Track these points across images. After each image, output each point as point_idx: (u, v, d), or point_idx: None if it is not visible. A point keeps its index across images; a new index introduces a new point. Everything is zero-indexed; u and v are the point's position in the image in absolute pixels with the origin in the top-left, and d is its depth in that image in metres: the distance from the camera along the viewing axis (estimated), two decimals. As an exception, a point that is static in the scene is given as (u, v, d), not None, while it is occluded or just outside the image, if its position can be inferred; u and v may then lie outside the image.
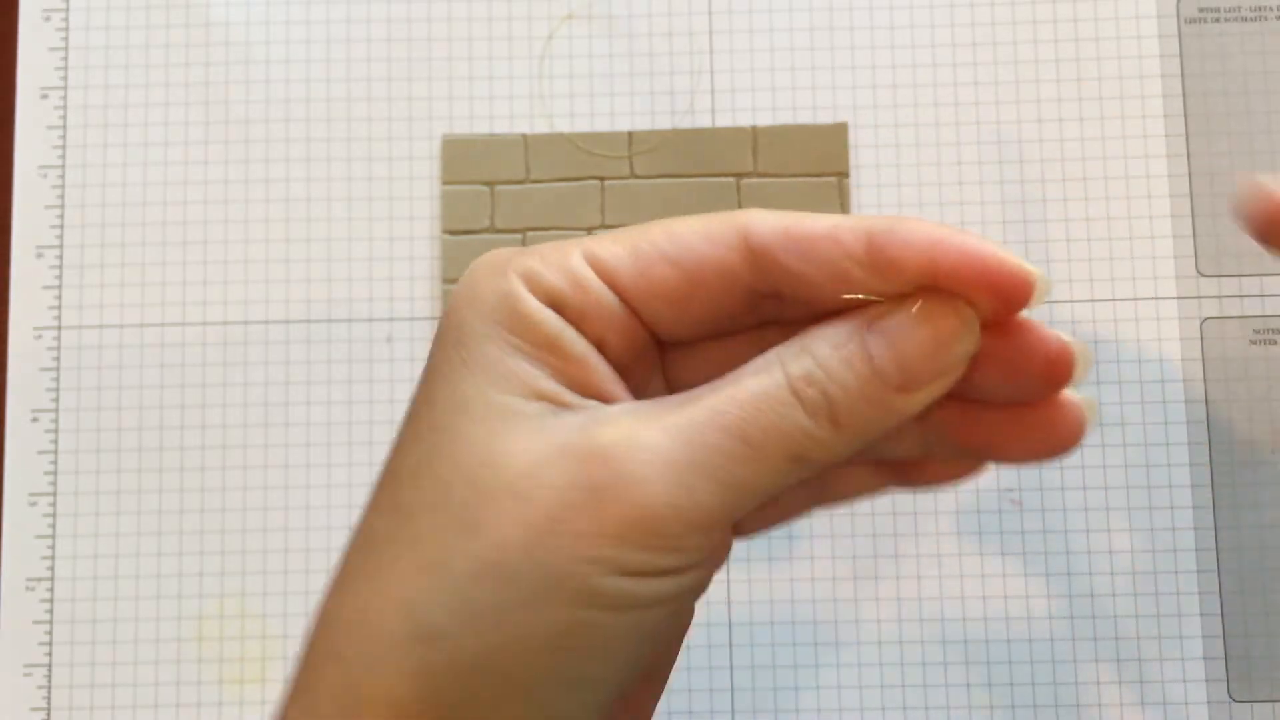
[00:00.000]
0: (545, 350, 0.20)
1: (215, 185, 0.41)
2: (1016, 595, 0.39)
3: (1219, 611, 0.39)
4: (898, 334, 0.19)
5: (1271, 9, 0.41)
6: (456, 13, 0.42)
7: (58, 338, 0.41)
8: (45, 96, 0.42)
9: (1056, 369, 0.21)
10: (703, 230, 0.20)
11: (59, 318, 0.41)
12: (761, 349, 0.20)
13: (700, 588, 0.21)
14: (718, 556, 0.21)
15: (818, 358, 0.19)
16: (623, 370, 0.21)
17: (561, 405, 0.20)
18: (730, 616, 0.39)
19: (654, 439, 0.19)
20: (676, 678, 0.38)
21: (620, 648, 0.19)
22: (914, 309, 0.19)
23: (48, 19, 0.42)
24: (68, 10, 0.42)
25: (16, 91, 0.42)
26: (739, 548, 0.39)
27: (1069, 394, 0.21)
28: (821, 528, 0.39)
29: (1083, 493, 0.39)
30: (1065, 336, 0.21)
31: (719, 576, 0.39)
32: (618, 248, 0.20)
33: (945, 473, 0.23)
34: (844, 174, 0.41)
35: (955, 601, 0.39)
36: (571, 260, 0.20)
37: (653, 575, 0.19)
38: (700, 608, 0.39)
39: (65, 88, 0.42)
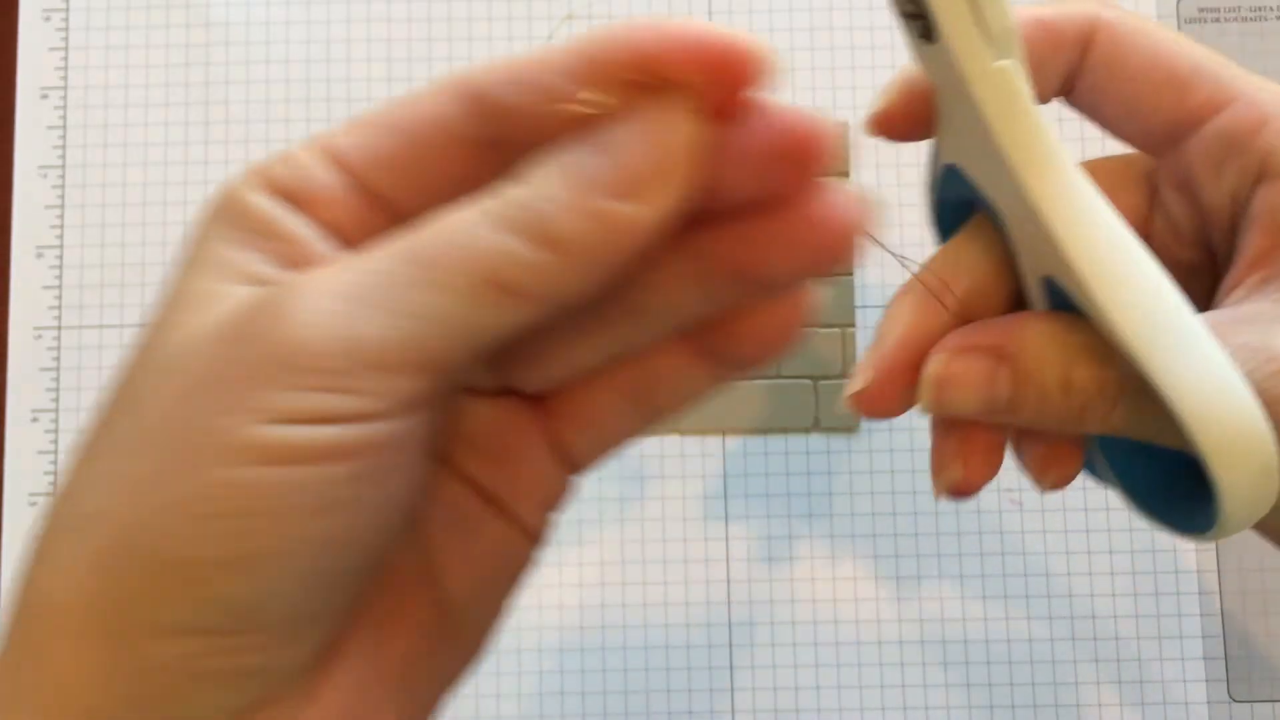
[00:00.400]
0: (263, 236, 0.18)
1: (214, 185, 0.41)
2: (1016, 595, 0.39)
3: (1219, 611, 0.39)
4: (608, 136, 0.17)
5: (1271, 9, 0.41)
6: (456, 13, 0.42)
7: (58, 338, 0.41)
8: (45, 96, 0.42)
9: (798, 151, 0.18)
10: (425, 89, 0.18)
11: (59, 318, 0.41)
12: None
13: (404, 445, 0.17)
14: (427, 412, 0.18)
15: (526, 180, 0.17)
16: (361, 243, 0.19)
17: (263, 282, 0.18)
18: (730, 616, 0.39)
19: (320, 277, 0.17)
20: (677, 678, 0.38)
21: (295, 515, 0.16)
22: (632, 114, 0.17)
23: (48, 19, 0.42)
24: (68, 10, 0.42)
25: (16, 91, 0.42)
26: (739, 547, 0.39)
27: (828, 186, 0.18)
28: (822, 528, 0.39)
29: (1083, 493, 0.39)
30: (808, 114, 0.18)
31: (719, 576, 0.39)
32: (347, 130, 0.19)
33: (755, 330, 0.20)
34: (844, 174, 0.41)
35: (955, 601, 0.39)
36: (303, 152, 0.19)
37: (321, 421, 0.16)
38: (700, 608, 0.39)
39: (65, 88, 0.42)
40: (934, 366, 0.23)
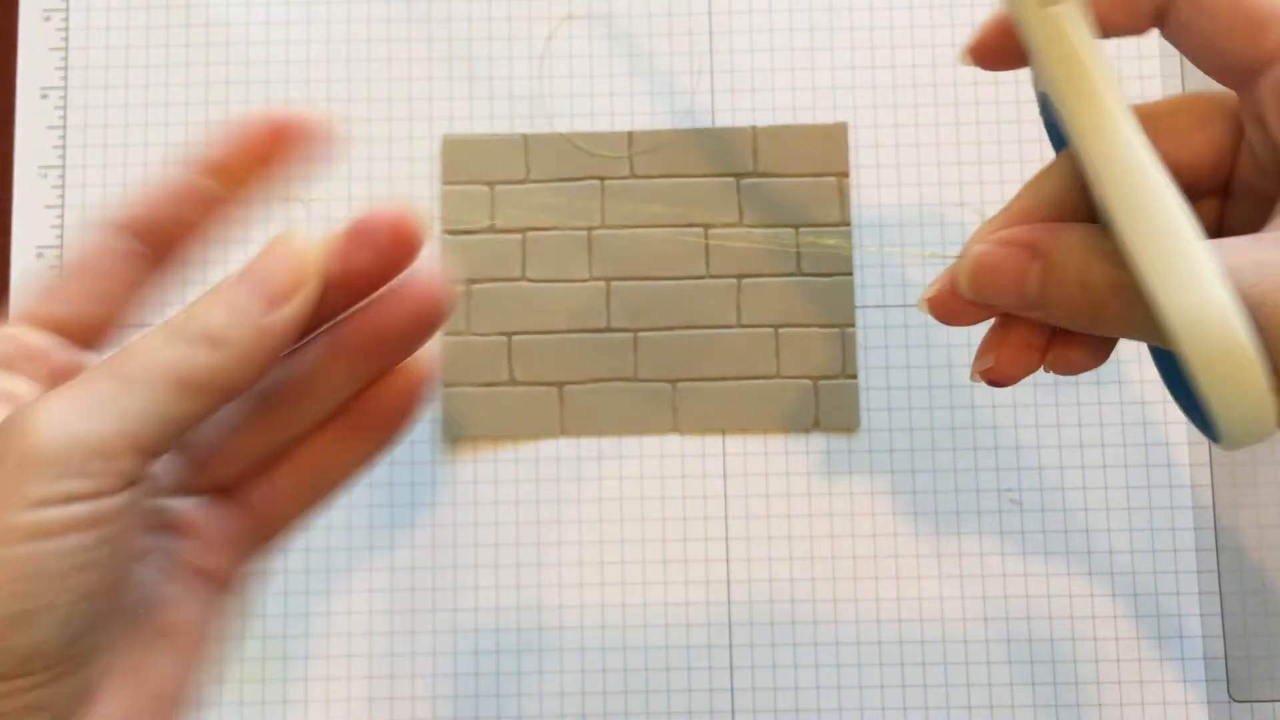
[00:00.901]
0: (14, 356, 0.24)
1: (215, 185, 0.41)
2: (1016, 595, 0.39)
3: (1219, 611, 0.39)
4: (256, 263, 0.23)
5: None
6: (456, 13, 0.42)
7: (58, 338, 0.41)
8: (45, 96, 0.42)
9: (394, 253, 0.24)
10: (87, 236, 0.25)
11: (59, 318, 0.41)
12: None
13: (129, 531, 0.22)
14: (133, 479, 0.22)
15: (196, 302, 0.23)
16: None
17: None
18: (730, 616, 0.39)
19: (48, 396, 0.22)
20: (677, 678, 0.38)
21: (59, 576, 0.21)
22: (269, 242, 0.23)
23: (48, 19, 0.42)
24: (68, 10, 0.42)
25: (16, 91, 0.42)
26: (739, 547, 0.39)
27: (420, 271, 0.24)
28: (821, 528, 0.39)
29: (1082, 493, 0.39)
30: (395, 217, 0.24)
31: (719, 577, 0.39)
32: (36, 297, 0.25)
33: (391, 395, 0.26)
34: (844, 174, 0.41)
35: (955, 601, 0.39)
36: (11, 328, 0.24)
37: (69, 501, 0.21)
38: (700, 608, 0.39)
39: (65, 88, 0.42)
40: (976, 250, 0.25)
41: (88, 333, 0.25)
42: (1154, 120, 0.24)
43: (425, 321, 0.24)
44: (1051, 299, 0.24)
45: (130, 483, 0.22)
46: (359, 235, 0.24)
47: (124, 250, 0.25)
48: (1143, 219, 0.22)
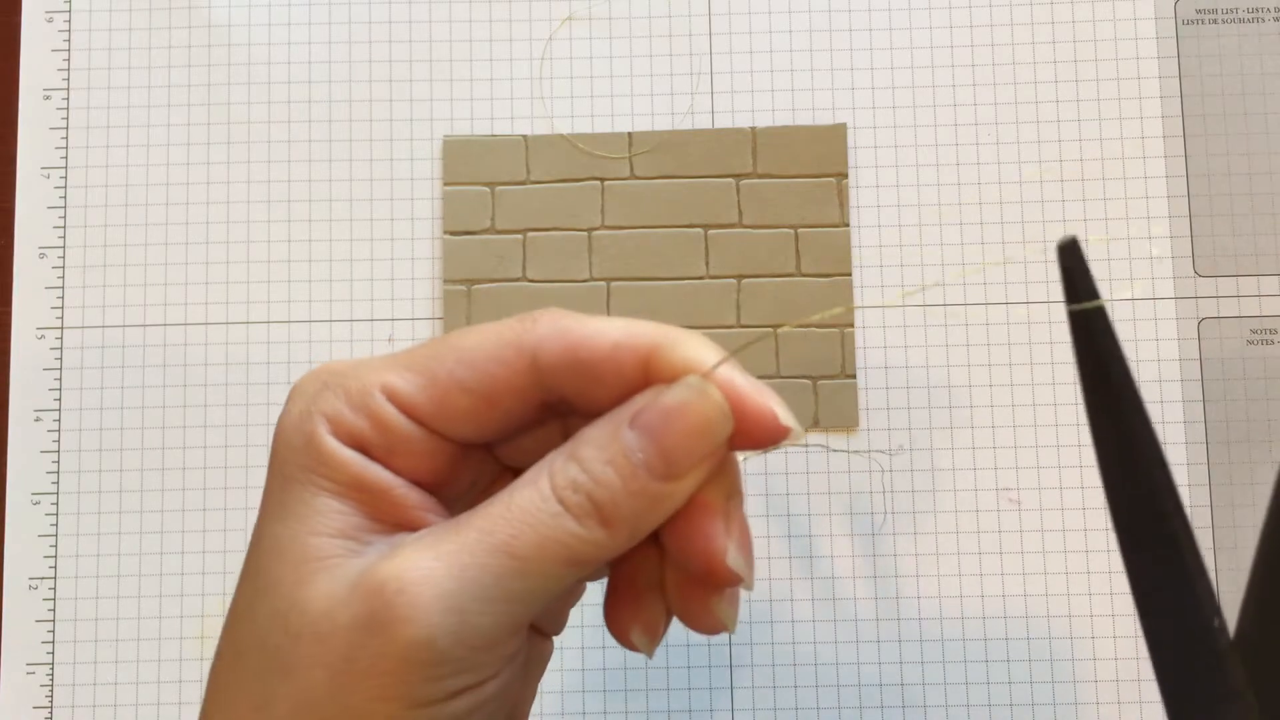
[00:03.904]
0: (353, 489, 0.21)
1: (216, 186, 0.42)
2: (1015, 595, 0.39)
3: (1217, 610, 0.39)
4: (658, 427, 0.21)
5: (1268, 10, 0.41)
6: (457, 14, 0.42)
7: (60, 338, 0.41)
8: (48, 98, 0.42)
9: (711, 576, 0.22)
10: (494, 353, 0.21)
11: (61, 318, 0.41)
12: (566, 434, 0.22)
13: (507, 691, 0.22)
14: (520, 658, 0.22)
15: (583, 463, 0.21)
16: (442, 480, 0.22)
17: (367, 541, 0.21)
18: (730, 615, 0.39)
19: (427, 567, 0.20)
20: (677, 677, 0.39)
21: None
22: (670, 401, 0.21)
23: (50, 20, 0.42)
24: (70, 12, 0.42)
25: (19, 93, 0.42)
26: (738, 547, 0.39)
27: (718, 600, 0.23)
28: (821, 528, 0.40)
29: (1081, 492, 0.39)
30: (732, 566, 0.22)
31: (718, 576, 0.39)
32: (415, 377, 0.21)
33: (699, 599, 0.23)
34: (843, 174, 0.41)
35: (954, 601, 0.39)
36: (373, 401, 0.21)
37: (450, 697, 0.20)
38: (700, 607, 0.39)
39: (68, 89, 0.42)
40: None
41: (449, 467, 0.22)
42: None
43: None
44: None
45: (509, 660, 0.21)
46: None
47: (527, 392, 0.22)
48: None
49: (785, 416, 0.21)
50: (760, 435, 0.21)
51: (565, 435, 0.23)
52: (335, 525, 0.21)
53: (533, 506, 0.20)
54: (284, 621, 0.20)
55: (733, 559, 0.22)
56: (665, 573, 0.23)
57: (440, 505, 0.22)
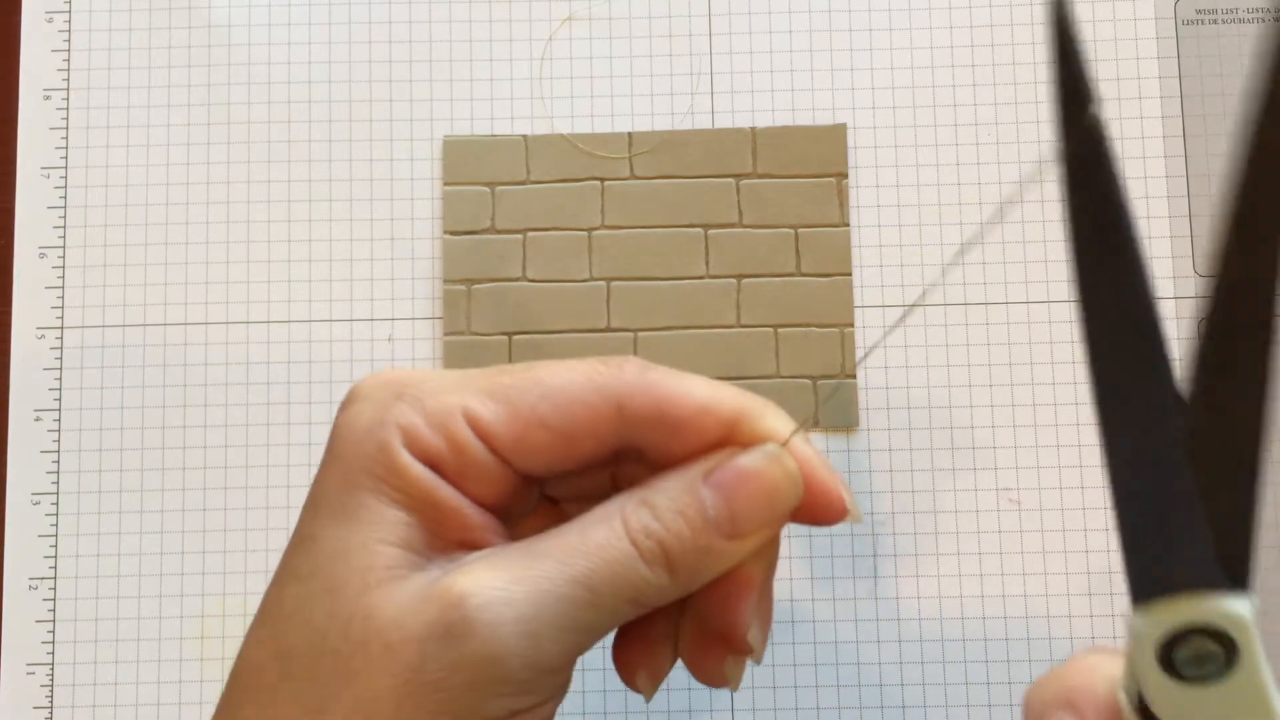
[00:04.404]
0: (421, 502, 0.21)
1: (216, 186, 0.42)
2: (1015, 595, 0.39)
3: (1217, 610, 0.39)
4: (733, 488, 0.21)
5: (1268, 10, 0.41)
6: (457, 14, 0.42)
7: (60, 337, 0.41)
8: (48, 98, 0.42)
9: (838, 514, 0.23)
10: (580, 395, 0.22)
11: (61, 318, 0.41)
12: (613, 479, 0.23)
13: (551, 716, 0.22)
14: (566, 686, 0.22)
15: (656, 511, 0.21)
16: (502, 506, 0.23)
17: (431, 558, 0.21)
18: (730, 615, 0.39)
19: (505, 588, 0.20)
20: (676, 677, 0.39)
21: None
22: (747, 464, 0.21)
23: (50, 20, 0.42)
24: (70, 12, 0.42)
25: (19, 93, 0.42)
26: (738, 547, 0.39)
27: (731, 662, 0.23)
28: (821, 528, 0.39)
29: (1080, 492, 0.39)
30: (752, 643, 0.23)
31: (718, 576, 0.39)
32: (497, 408, 0.22)
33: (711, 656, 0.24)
34: (843, 175, 0.41)
35: (954, 601, 0.39)
36: (453, 423, 0.21)
37: (512, 716, 0.20)
38: (700, 607, 0.39)
39: (68, 89, 0.42)
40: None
41: (510, 495, 0.23)
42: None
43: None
44: None
45: (566, 684, 0.22)
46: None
47: (615, 443, 0.22)
48: None
49: (849, 500, 0.23)
50: (822, 513, 0.22)
51: (612, 479, 0.24)
52: (403, 537, 0.21)
53: (608, 544, 0.21)
54: (347, 626, 0.20)
55: (753, 636, 0.23)
56: (682, 624, 0.24)
57: (502, 529, 0.22)
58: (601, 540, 0.21)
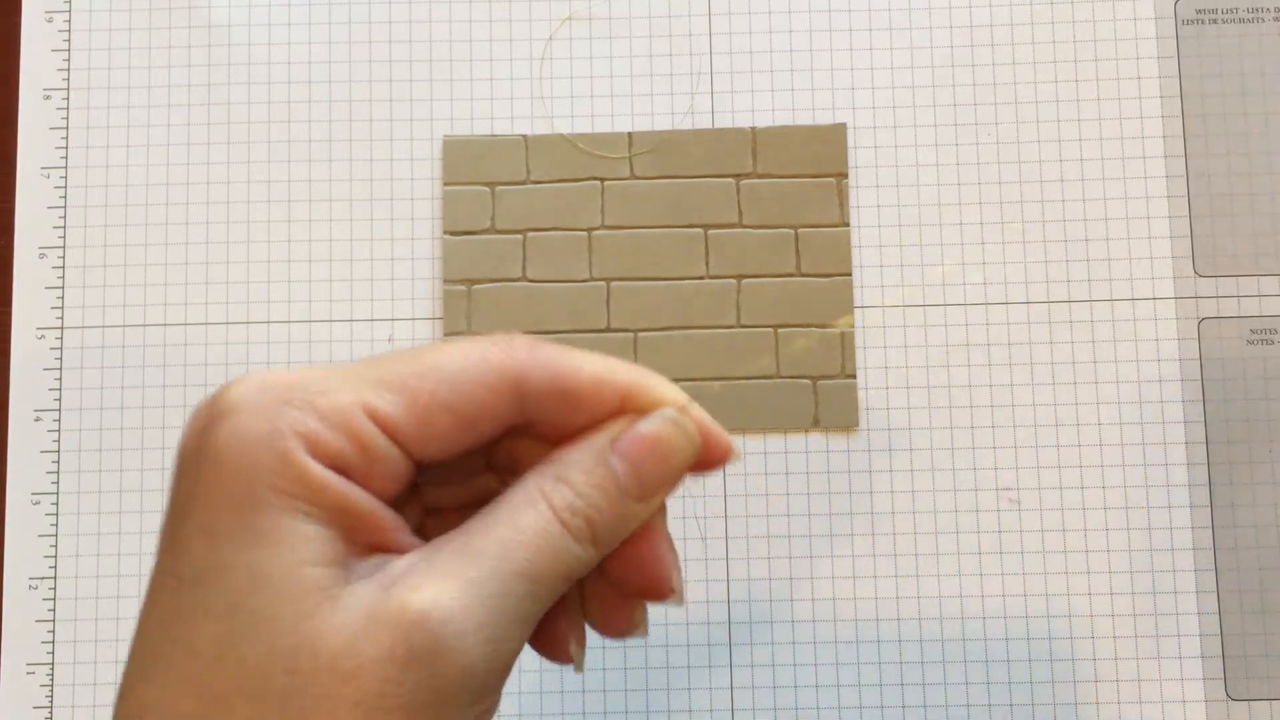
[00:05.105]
0: (337, 514, 0.20)
1: (216, 186, 0.42)
2: (1015, 595, 0.39)
3: (1216, 610, 0.39)
4: (638, 454, 0.22)
5: (1268, 10, 0.41)
6: (457, 14, 0.42)
7: (60, 338, 0.41)
8: (48, 98, 0.42)
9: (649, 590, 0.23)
10: (478, 376, 0.21)
11: (61, 318, 0.41)
12: (507, 455, 0.23)
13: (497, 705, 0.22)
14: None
15: (575, 487, 0.22)
16: (402, 499, 0.22)
17: (350, 566, 0.20)
18: (730, 616, 0.39)
19: (460, 598, 0.20)
20: (676, 677, 0.39)
21: None
22: (649, 430, 0.22)
23: (50, 20, 0.42)
24: (70, 12, 0.42)
25: (19, 93, 0.42)
26: (739, 547, 0.39)
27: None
28: (821, 527, 0.40)
29: (1080, 492, 0.39)
30: (670, 586, 0.23)
31: (719, 575, 0.39)
32: (396, 398, 0.21)
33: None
34: (843, 174, 0.41)
35: (954, 601, 0.39)
36: (355, 421, 0.20)
37: None
38: (700, 608, 0.39)
39: (68, 89, 0.42)
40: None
41: (408, 486, 0.22)
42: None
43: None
44: None
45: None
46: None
47: (512, 420, 0.22)
48: None
49: (734, 442, 0.24)
50: (716, 461, 0.23)
51: (487, 459, 0.24)
52: (323, 553, 0.20)
53: (540, 529, 0.21)
54: (293, 660, 0.19)
55: (675, 579, 0.23)
56: (588, 587, 0.24)
57: (405, 524, 0.22)
58: (533, 525, 0.21)
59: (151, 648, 0.20)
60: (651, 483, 0.22)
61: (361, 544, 0.21)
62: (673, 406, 0.22)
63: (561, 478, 0.22)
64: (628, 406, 0.22)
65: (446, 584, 0.20)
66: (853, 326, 0.40)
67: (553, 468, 0.22)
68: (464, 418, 0.21)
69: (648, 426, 0.22)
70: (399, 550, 0.21)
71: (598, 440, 0.22)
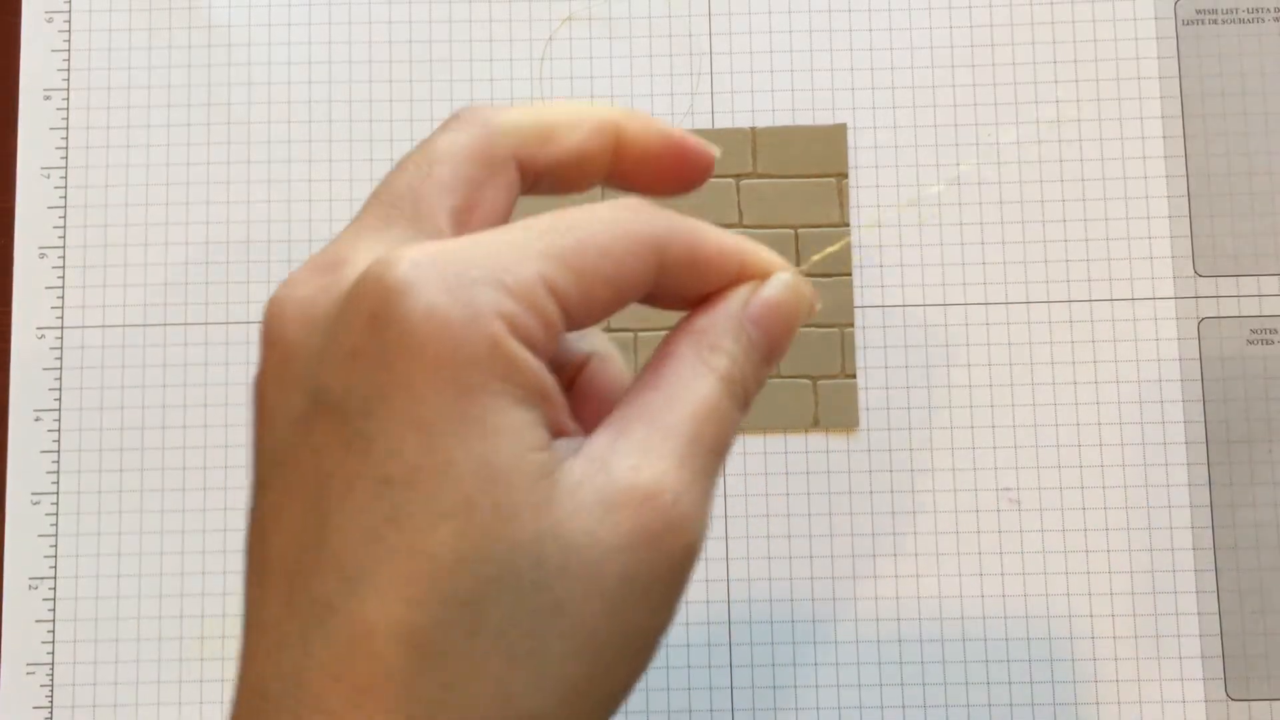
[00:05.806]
0: (541, 398, 0.20)
1: (216, 186, 0.42)
2: (1015, 595, 0.39)
3: (1216, 610, 0.39)
4: (769, 320, 0.22)
5: (1268, 10, 0.41)
6: (457, 14, 0.42)
7: (60, 337, 0.41)
8: (48, 98, 0.42)
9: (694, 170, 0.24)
10: (631, 248, 0.21)
11: (61, 318, 0.41)
12: None
13: None
14: None
15: (731, 355, 0.22)
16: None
17: (556, 451, 0.20)
18: (730, 616, 0.39)
19: (681, 478, 0.20)
20: (676, 677, 0.39)
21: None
22: (773, 296, 0.22)
23: (50, 20, 0.42)
24: (70, 12, 0.42)
25: (19, 93, 0.42)
26: (739, 547, 0.39)
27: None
28: (821, 527, 0.40)
29: (1080, 492, 0.39)
30: (707, 152, 0.24)
31: (718, 575, 0.39)
32: (567, 273, 0.20)
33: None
34: (843, 175, 0.41)
35: (954, 601, 0.39)
36: (539, 299, 0.20)
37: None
38: (700, 607, 0.39)
39: (68, 89, 0.42)
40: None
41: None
42: None
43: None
44: None
45: None
46: (688, 160, 0.24)
47: (648, 289, 0.22)
48: None
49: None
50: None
51: None
52: (539, 439, 0.19)
53: (715, 400, 0.21)
54: (538, 554, 0.18)
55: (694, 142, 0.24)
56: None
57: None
58: (709, 397, 0.21)
59: (357, 560, 0.18)
60: (781, 346, 0.23)
61: (554, 428, 0.20)
62: (785, 271, 0.23)
63: (716, 346, 0.22)
64: (744, 274, 0.22)
65: (663, 463, 0.20)
66: (853, 326, 0.40)
67: (702, 336, 0.22)
68: (619, 290, 0.21)
69: (773, 293, 0.22)
70: (568, 432, 0.20)
71: (731, 306, 0.22)
